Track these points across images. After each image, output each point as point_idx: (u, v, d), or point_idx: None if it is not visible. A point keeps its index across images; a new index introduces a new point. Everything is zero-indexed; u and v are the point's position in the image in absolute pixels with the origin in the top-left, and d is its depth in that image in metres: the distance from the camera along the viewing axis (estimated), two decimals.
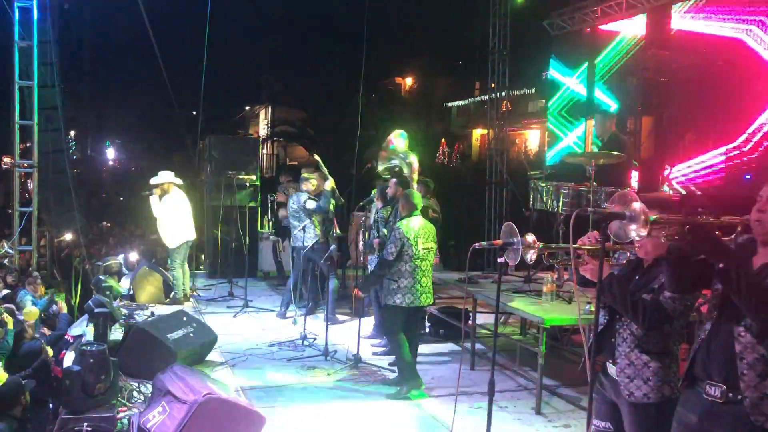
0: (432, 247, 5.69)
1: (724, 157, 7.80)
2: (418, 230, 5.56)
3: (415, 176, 7.01)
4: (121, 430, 4.56)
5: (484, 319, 7.51)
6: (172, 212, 8.52)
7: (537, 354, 5.31)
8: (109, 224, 18.38)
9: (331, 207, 8.18)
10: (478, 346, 6.59)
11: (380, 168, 7.32)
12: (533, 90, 23.09)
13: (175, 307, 7.58)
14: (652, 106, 11.91)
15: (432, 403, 5.43)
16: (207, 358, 6.32)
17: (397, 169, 7.10)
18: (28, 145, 12.32)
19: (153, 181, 8.68)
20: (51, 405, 5.54)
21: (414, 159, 7.10)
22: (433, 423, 5.03)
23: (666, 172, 8.59)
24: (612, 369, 2.86)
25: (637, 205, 2.34)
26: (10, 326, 6.34)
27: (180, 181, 8.83)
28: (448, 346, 7.12)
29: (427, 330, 7.45)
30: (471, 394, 5.61)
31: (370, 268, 6.96)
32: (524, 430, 4.95)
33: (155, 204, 8.61)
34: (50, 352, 6.59)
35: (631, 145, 8.02)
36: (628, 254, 3.03)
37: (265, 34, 30.12)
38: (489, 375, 3.36)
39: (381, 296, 5.83)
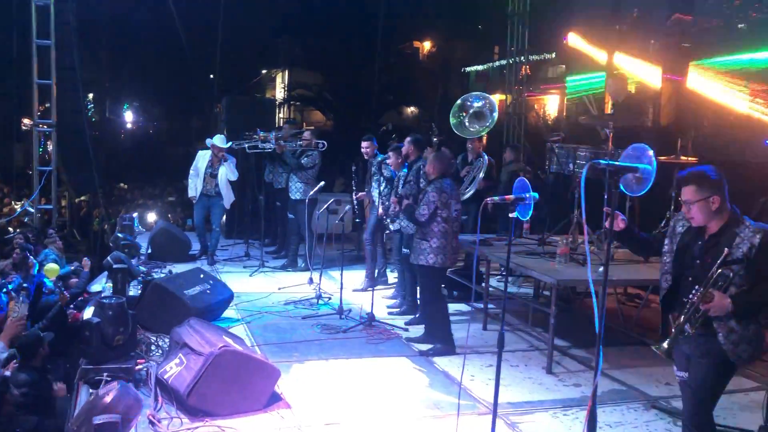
0: (460, 208, 5.77)
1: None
2: (450, 192, 5.59)
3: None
4: (139, 380, 4.67)
5: (498, 281, 7.56)
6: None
7: (549, 314, 5.34)
8: (126, 185, 18.56)
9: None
10: (491, 307, 6.64)
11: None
12: (553, 55, 22.71)
13: (193, 265, 7.67)
14: (676, 72, 11.73)
15: (444, 360, 5.49)
16: (223, 315, 6.42)
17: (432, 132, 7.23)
18: (47, 105, 12.41)
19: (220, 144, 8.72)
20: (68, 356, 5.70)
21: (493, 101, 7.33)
22: (444, 380, 5.10)
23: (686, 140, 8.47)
24: (687, 325, 3.15)
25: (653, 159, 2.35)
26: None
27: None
28: (462, 307, 7.16)
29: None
30: (482, 353, 5.69)
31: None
32: (535, 389, 5.00)
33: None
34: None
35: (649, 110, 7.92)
36: (682, 222, 3.33)
37: None
38: (497, 339, 3.42)
39: (412, 257, 5.85)
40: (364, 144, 7.66)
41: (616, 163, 2.49)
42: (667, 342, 3.18)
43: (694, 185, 3.13)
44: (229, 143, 8.65)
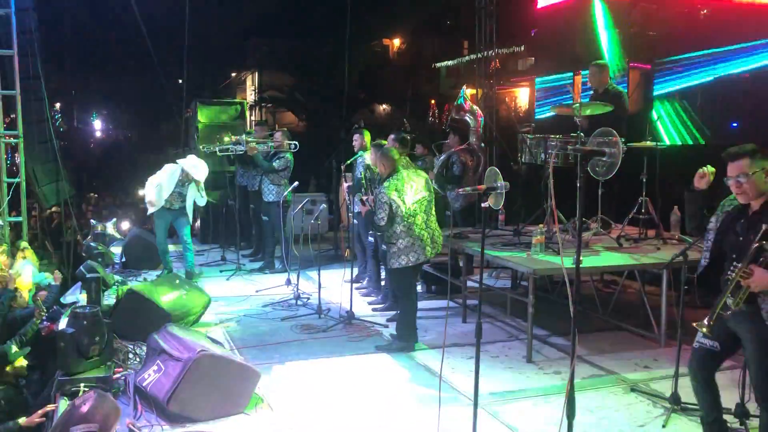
0: (425, 197, 5.56)
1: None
2: (402, 187, 5.44)
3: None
4: (118, 389, 4.60)
5: (476, 274, 7.58)
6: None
7: (527, 304, 5.37)
8: (96, 194, 18.29)
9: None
10: (469, 302, 6.65)
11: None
12: (522, 48, 22.88)
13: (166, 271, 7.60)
14: (641, 59, 11.90)
15: (424, 354, 5.51)
16: (201, 320, 6.36)
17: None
18: (12, 116, 12.19)
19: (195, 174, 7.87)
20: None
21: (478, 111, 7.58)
22: (425, 374, 5.11)
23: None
24: (730, 301, 3.16)
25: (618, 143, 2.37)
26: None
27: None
28: (441, 302, 7.17)
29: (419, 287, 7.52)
30: (463, 345, 5.71)
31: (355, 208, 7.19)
32: (516, 378, 5.03)
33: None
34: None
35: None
36: (729, 202, 3.38)
37: None
38: (475, 329, 3.43)
39: (386, 260, 5.79)
40: (355, 137, 7.60)
41: (584, 147, 2.50)
42: (707, 318, 3.18)
43: (748, 158, 3.17)
44: (205, 174, 7.85)
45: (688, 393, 3.90)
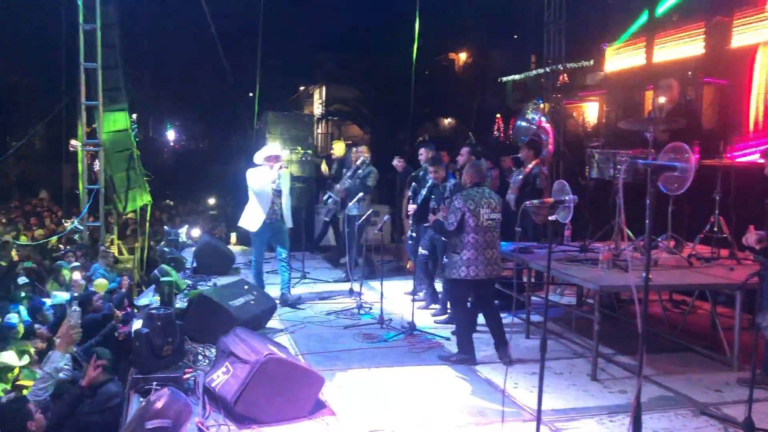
0: (497, 219, 5.55)
1: None
2: (479, 200, 5.44)
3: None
4: (187, 389, 4.77)
5: (540, 290, 7.50)
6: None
7: (593, 321, 5.29)
8: (171, 202, 18.98)
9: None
10: (533, 317, 6.59)
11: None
12: (591, 62, 22.52)
13: (237, 278, 7.82)
14: (715, 75, 11.51)
15: (486, 369, 5.48)
16: (267, 325, 6.53)
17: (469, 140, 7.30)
18: (93, 126, 12.81)
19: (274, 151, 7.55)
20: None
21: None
22: (487, 388, 5.09)
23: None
24: None
25: (691, 157, 2.34)
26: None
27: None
28: (505, 318, 7.11)
29: None
30: (526, 361, 5.66)
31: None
32: (580, 395, 4.95)
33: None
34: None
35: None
36: None
37: (318, 12, 30.20)
38: (540, 344, 3.42)
39: (446, 269, 5.80)
40: (421, 150, 7.78)
41: (654, 161, 2.48)
42: None
43: None
44: (283, 149, 7.74)
45: (762, 419, 3.77)
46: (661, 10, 10.87)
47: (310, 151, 10.77)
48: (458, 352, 5.66)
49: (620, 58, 13.35)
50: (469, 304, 5.79)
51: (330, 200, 9.11)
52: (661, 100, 6.04)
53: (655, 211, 2.99)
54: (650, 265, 2.93)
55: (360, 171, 8.53)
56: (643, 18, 11.01)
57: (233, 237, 13.55)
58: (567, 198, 2.90)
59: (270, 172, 7.20)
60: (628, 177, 5.51)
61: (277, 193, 7.32)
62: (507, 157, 8.38)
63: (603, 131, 14.99)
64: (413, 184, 7.76)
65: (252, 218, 7.30)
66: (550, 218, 3.07)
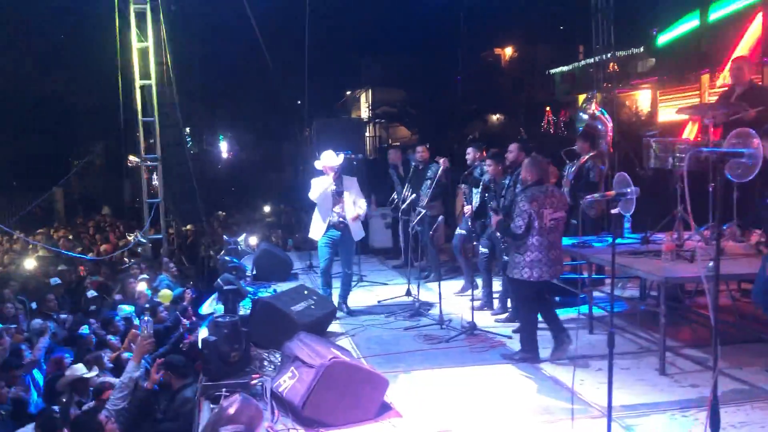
0: (562, 217, 5.43)
1: None
2: (543, 200, 5.30)
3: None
4: (255, 394, 4.88)
5: (600, 285, 7.38)
6: None
7: (658, 314, 5.17)
8: (224, 213, 19.39)
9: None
10: (596, 312, 6.48)
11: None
12: (641, 49, 22.03)
13: (296, 283, 7.94)
14: None
15: (551, 366, 5.42)
16: (328, 330, 6.60)
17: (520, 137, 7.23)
18: (151, 141, 13.24)
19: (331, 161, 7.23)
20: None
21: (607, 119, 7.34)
22: (553, 386, 5.03)
23: None
24: None
25: (759, 143, 2.28)
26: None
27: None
28: (566, 314, 7.02)
29: None
30: (591, 357, 5.57)
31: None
32: (649, 390, 4.85)
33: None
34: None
35: None
36: None
37: (361, 16, 30.42)
38: (607, 339, 3.36)
39: (508, 268, 5.69)
40: (469, 150, 7.72)
41: (720, 149, 2.41)
42: None
43: None
44: (341, 154, 7.30)
45: None
46: None
47: (360, 155, 10.84)
48: (521, 350, 5.61)
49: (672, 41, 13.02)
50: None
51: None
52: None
53: (720, 199, 2.91)
54: (718, 254, 2.85)
55: (429, 171, 8.42)
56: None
57: (290, 243, 13.80)
58: (629, 190, 2.85)
59: (327, 179, 7.15)
60: (689, 165, 5.39)
61: (338, 195, 7.15)
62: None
63: (658, 119, 14.63)
64: (463, 184, 7.73)
65: (316, 227, 7.28)
66: (612, 212, 3.02)
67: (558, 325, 5.60)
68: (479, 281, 7.48)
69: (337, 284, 7.49)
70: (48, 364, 6.86)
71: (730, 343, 5.70)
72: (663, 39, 15.74)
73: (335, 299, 7.24)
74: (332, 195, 7.13)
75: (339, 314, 7.04)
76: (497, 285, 7.36)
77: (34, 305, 9.00)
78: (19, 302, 8.90)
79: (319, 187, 7.11)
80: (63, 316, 8.72)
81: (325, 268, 7.27)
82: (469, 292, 7.11)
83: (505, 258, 6.25)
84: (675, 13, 14.40)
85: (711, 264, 4.91)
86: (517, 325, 6.39)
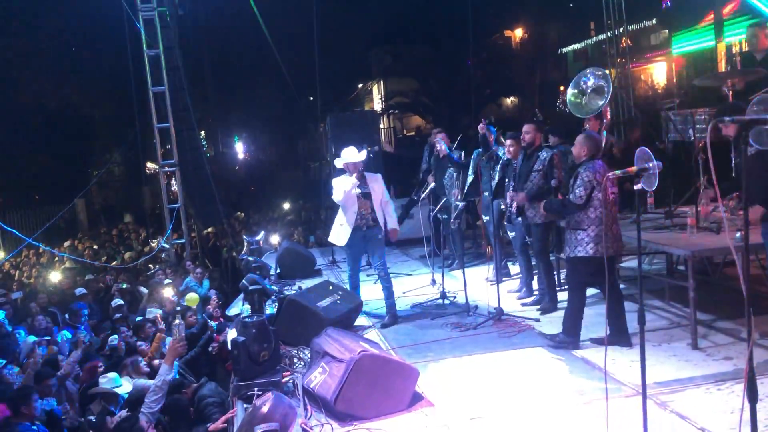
0: (618, 192, 5.34)
1: None
2: (604, 173, 5.08)
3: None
4: (287, 392, 4.90)
5: (627, 261, 7.31)
6: None
7: (687, 289, 5.11)
8: (242, 213, 19.49)
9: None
10: (622, 287, 6.42)
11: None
12: (653, 21, 21.71)
13: (320, 279, 7.96)
14: None
15: (581, 348, 5.38)
16: (355, 323, 6.62)
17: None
18: (167, 147, 13.32)
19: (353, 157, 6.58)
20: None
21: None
22: (584, 366, 5.00)
23: None
24: None
25: None
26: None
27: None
28: (592, 291, 6.96)
29: None
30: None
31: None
32: (682, 366, 4.80)
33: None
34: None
35: None
36: None
37: (368, 8, 30.31)
38: (637, 316, 3.32)
39: (566, 248, 5.43)
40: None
41: (744, 117, 2.37)
42: None
43: None
44: (363, 150, 6.63)
45: None
46: None
47: (377, 147, 10.82)
48: (562, 333, 5.46)
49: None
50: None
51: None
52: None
53: (746, 169, 2.86)
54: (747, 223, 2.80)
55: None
56: None
57: (312, 239, 13.83)
58: (651, 165, 2.81)
59: (350, 178, 6.49)
60: (711, 135, 5.30)
61: (364, 198, 6.52)
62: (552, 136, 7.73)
63: (675, 91, 14.42)
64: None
65: (339, 231, 6.63)
66: (635, 188, 2.97)
67: (620, 308, 5.31)
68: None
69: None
70: (83, 372, 6.95)
71: (762, 313, 5.63)
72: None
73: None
74: (357, 197, 6.49)
75: (365, 307, 6.99)
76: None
77: (66, 316, 9.13)
78: (50, 314, 9.02)
79: (342, 188, 6.49)
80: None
81: (355, 284, 6.84)
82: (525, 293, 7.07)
83: (528, 239, 6.20)
84: None
85: (739, 234, 4.87)
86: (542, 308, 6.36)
